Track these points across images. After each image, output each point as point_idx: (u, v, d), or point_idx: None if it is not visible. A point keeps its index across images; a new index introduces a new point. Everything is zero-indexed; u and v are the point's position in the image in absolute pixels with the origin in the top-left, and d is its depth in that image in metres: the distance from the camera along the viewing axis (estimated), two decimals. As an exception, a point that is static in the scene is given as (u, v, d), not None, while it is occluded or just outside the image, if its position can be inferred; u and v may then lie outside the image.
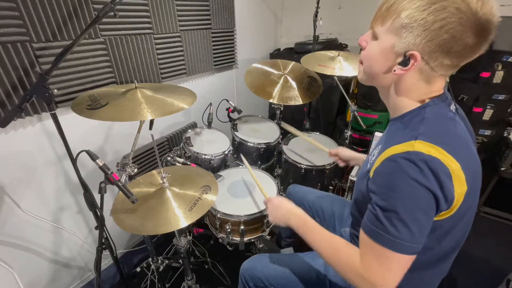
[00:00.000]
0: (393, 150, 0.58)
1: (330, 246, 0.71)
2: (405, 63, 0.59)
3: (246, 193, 1.38)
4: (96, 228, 1.05)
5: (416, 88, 0.63)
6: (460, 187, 0.57)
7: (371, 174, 0.63)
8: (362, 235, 0.63)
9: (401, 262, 0.59)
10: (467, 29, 0.52)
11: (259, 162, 1.71)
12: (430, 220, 0.58)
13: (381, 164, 0.59)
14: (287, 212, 0.86)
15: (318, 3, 1.95)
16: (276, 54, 2.73)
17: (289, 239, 1.46)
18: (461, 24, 0.52)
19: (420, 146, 0.55)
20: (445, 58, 0.56)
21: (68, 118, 1.15)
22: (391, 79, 0.64)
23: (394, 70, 0.61)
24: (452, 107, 0.65)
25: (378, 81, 0.68)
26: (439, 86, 0.63)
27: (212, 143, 1.64)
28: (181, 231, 1.12)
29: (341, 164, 1.28)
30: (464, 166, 0.56)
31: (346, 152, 1.24)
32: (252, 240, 1.32)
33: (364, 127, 1.90)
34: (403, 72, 0.60)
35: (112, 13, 0.81)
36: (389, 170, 0.57)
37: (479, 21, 0.52)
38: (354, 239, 0.88)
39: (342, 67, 1.61)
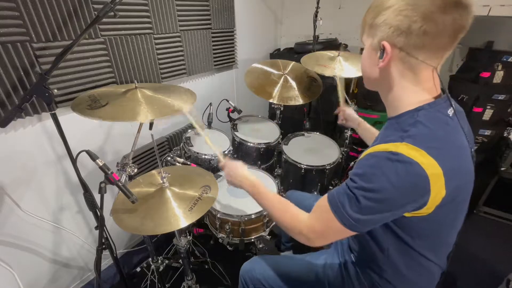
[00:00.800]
0: (378, 147, 0.60)
1: (280, 208, 0.81)
2: (382, 55, 0.63)
3: (246, 193, 1.37)
4: (96, 228, 1.05)
5: (405, 81, 0.64)
6: (437, 191, 0.57)
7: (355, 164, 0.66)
8: (323, 200, 0.70)
9: (339, 231, 0.65)
10: (422, 5, 0.55)
11: (259, 162, 1.71)
12: (386, 219, 0.63)
13: (364, 157, 0.63)
14: (240, 177, 0.93)
15: (318, 3, 1.95)
16: (276, 54, 2.73)
17: (288, 243, 1.46)
18: (413, 4, 0.56)
19: (404, 148, 0.56)
20: (413, 38, 0.58)
21: (68, 118, 1.15)
22: (378, 73, 0.68)
23: (378, 65, 0.65)
24: (450, 111, 0.64)
25: (372, 79, 0.72)
26: (427, 78, 0.63)
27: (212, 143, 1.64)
28: (181, 231, 1.12)
29: (340, 120, 1.36)
30: (448, 172, 0.56)
31: (348, 112, 1.32)
32: (252, 240, 1.32)
33: (364, 127, 1.89)
34: (384, 64, 0.63)
35: (112, 13, 0.81)
36: (368, 163, 0.61)
37: None
38: (351, 238, 0.88)
39: (342, 67, 1.61)
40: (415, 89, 0.64)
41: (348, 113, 1.32)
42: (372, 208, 0.59)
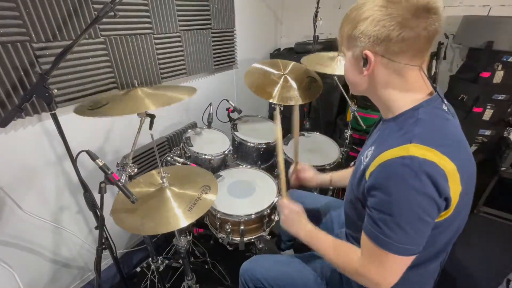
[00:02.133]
0: (388, 154, 0.59)
1: (333, 250, 0.77)
2: (365, 63, 0.65)
3: (246, 193, 1.38)
4: (96, 228, 1.05)
5: (393, 84, 0.65)
6: (455, 188, 0.57)
7: (366, 176, 0.64)
8: (363, 236, 0.67)
9: (398, 263, 0.62)
10: (398, 15, 0.57)
11: (259, 162, 1.71)
12: (429, 223, 0.58)
13: (376, 168, 0.60)
14: (298, 224, 0.90)
15: (318, 3, 1.95)
16: (276, 54, 2.73)
17: (288, 241, 1.46)
18: (388, 14, 0.58)
19: (415, 150, 0.55)
20: (393, 45, 0.60)
21: (68, 118, 1.15)
22: (365, 82, 0.69)
23: (363, 74, 0.66)
24: (444, 106, 0.66)
25: (359, 88, 0.73)
26: (416, 79, 0.64)
27: (212, 143, 1.64)
28: (181, 231, 1.12)
29: (294, 182, 1.16)
30: (459, 166, 0.57)
31: (312, 181, 1.14)
32: (252, 240, 1.32)
33: (364, 127, 1.90)
34: (369, 72, 0.65)
35: (112, 13, 0.81)
36: (385, 175, 0.59)
37: (411, 4, 0.57)
38: (349, 239, 0.88)
39: (342, 67, 1.60)
40: (405, 90, 0.65)
41: (305, 176, 1.14)
42: (409, 220, 0.57)
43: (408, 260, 0.61)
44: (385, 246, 0.60)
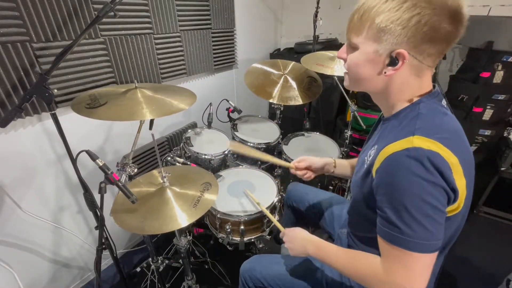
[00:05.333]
0: (392, 147, 0.58)
1: (348, 261, 0.72)
2: (393, 63, 0.60)
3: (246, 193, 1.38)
4: (96, 228, 1.05)
5: (408, 85, 0.64)
6: (461, 180, 0.57)
7: (373, 173, 0.63)
8: (379, 240, 0.63)
9: (423, 262, 0.58)
10: (442, 18, 0.55)
11: (259, 162, 1.71)
12: (443, 213, 0.57)
13: (382, 164, 0.59)
14: (302, 241, 0.84)
15: (318, 3, 1.95)
16: (276, 54, 2.73)
17: None
18: (436, 14, 0.54)
19: (419, 142, 0.55)
20: (431, 48, 0.58)
21: (68, 118, 1.15)
22: (383, 81, 0.65)
23: (385, 72, 0.62)
24: (444, 102, 0.66)
25: (369, 85, 0.68)
26: (427, 79, 0.65)
27: (212, 143, 1.64)
28: (181, 231, 1.12)
29: (311, 177, 1.10)
30: (461, 159, 0.57)
31: (317, 161, 1.08)
32: (252, 240, 1.32)
33: (364, 127, 1.90)
34: (394, 72, 0.61)
35: (112, 13, 0.81)
36: (391, 169, 0.58)
37: (450, 8, 0.55)
38: (351, 238, 0.88)
39: (342, 67, 1.61)
40: (415, 89, 0.65)
41: (309, 162, 1.09)
42: (425, 213, 0.54)
43: (433, 257, 0.58)
44: (406, 245, 0.56)
